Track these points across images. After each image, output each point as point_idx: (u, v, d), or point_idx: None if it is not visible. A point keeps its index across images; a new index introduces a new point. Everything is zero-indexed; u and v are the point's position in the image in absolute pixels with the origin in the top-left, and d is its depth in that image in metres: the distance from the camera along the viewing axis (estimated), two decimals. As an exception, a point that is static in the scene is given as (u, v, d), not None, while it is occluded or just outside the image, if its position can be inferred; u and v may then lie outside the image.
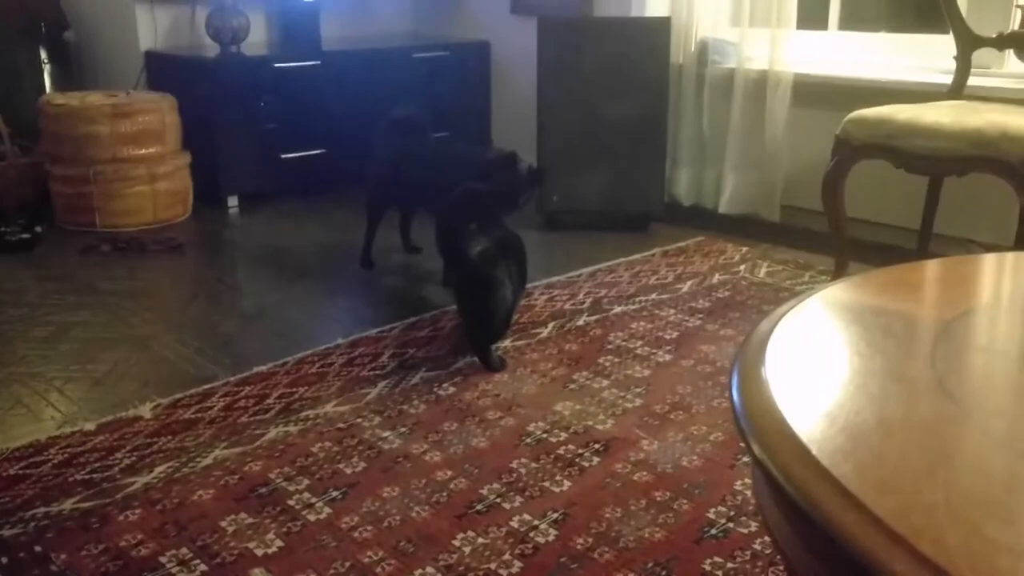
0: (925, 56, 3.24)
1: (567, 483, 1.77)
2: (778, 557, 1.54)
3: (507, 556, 1.55)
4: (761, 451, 0.77)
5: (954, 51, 2.87)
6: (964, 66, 2.86)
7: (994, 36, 2.82)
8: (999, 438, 0.83)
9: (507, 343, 2.43)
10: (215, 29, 3.86)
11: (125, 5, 3.97)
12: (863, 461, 0.76)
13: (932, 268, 1.34)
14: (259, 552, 1.57)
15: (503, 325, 2.34)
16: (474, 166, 2.70)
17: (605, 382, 2.22)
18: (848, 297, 1.14)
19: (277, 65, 3.88)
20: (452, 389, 2.19)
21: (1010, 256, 1.36)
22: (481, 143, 3.02)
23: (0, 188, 3.61)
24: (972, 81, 2.88)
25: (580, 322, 2.60)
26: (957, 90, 2.87)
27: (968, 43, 2.84)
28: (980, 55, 2.87)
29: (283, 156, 3.90)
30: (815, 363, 0.98)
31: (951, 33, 2.87)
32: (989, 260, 1.35)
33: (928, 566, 0.62)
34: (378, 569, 1.52)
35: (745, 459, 1.85)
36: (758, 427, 0.81)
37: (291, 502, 1.72)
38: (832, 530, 0.67)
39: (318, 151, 3.98)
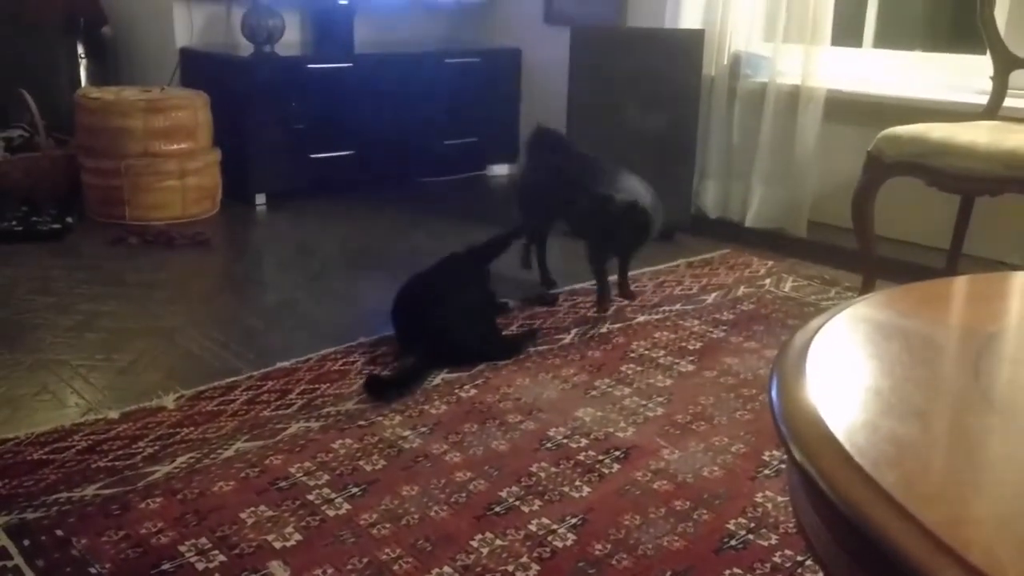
0: (960, 76, 3.21)
1: (586, 489, 1.77)
2: (799, 571, 1.52)
3: (524, 559, 1.54)
4: (803, 457, 0.76)
5: (991, 71, 2.84)
6: (1001, 87, 2.83)
7: (1032, 57, 2.79)
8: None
9: (530, 348, 2.42)
10: (250, 29, 3.89)
11: (162, 2, 4.02)
12: (909, 471, 0.74)
13: (967, 283, 1.32)
14: (277, 545, 1.57)
15: (483, 334, 2.40)
16: (592, 194, 2.62)
17: (627, 390, 2.21)
18: (885, 309, 1.13)
19: (310, 66, 3.91)
20: (473, 391, 2.18)
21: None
22: (615, 164, 2.82)
23: (33, 178, 3.66)
24: (1008, 102, 2.84)
25: (603, 329, 2.59)
26: (992, 111, 2.84)
27: (1006, 64, 2.81)
28: (1017, 76, 2.84)
29: (312, 156, 3.92)
30: (855, 372, 0.96)
31: (988, 53, 2.85)
32: (1023, 277, 1.33)
33: None
34: (395, 567, 1.52)
35: (767, 472, 1.84)
36: (799, 433, 0.79)
37: (311, 497, 1.72)
38: (879, 539, 0.65)
39: (347, 152, 4.01)
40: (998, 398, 0.90)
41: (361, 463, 1.85)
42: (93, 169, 3.59)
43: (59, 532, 1.60)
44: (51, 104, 3.92)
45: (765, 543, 1.60)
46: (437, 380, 2.24)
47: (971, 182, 2.46)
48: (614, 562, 1.54)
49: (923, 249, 3.13)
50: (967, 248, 2.95)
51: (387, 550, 1.56)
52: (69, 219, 3.48)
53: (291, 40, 4.18)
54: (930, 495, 0.71)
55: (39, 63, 4.21)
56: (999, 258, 2.98)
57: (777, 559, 1.56)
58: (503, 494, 1.74)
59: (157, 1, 4.07)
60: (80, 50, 4.36)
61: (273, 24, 3.90)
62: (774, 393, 0.88)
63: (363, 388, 2.17)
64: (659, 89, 3.43)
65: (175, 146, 3.58)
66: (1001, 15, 2.92)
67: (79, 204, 3.65)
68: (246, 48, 3.94)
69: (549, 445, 1.94)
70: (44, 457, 1.85)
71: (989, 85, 2.85)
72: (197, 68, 3.99)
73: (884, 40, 3.49)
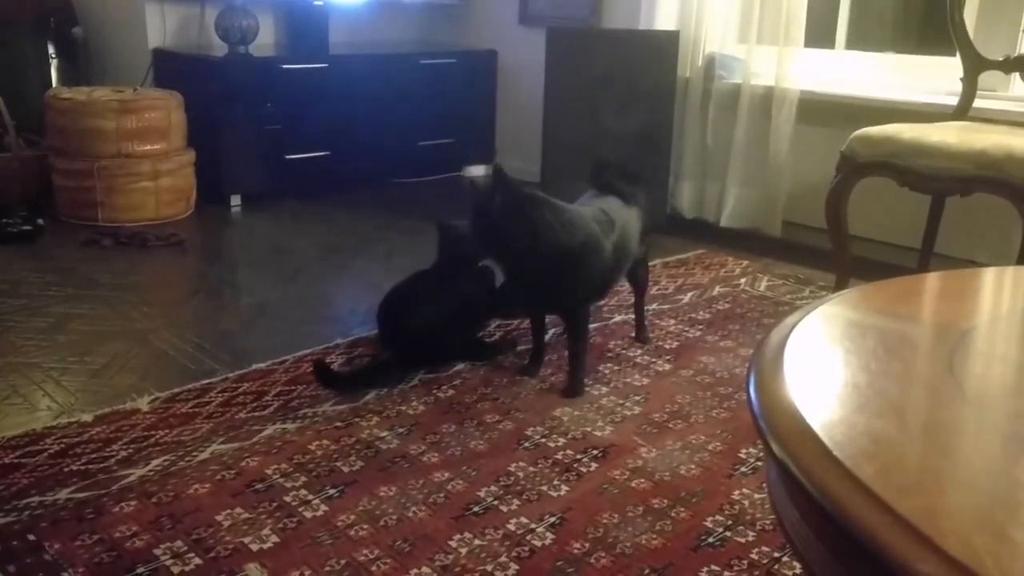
0: (931, 77, 3.25)
1: (565, 488, 1.77)
2: (775, 567, 1.53)
3: (503, 558, 1.54)
4: (782, 451, 0.77)
5: (960, 73, 2.88)
6: (970, 88, 2.87)
7: (1001, 59, 2.83)
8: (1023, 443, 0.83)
9: (508, 352, 2.42)
10: (224, 29, 3.86)
11: (135, 3, 3.98)
12: (886, 464, 0.75)
13: (939, 280, 1.34)
14: (254, 547, 1.56)
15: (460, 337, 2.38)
16: None
17: (604, 389, 2.21)
18: (859, 306, 1.14)
19: (284, 67, 3.89)
20: (451, 391, 2.18)
21: (1017, 270, 1.37)
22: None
23: (3, 180, 3.61)
24: (978, 103, 2.88)
25: (580, 330, 2.59)
26: (962, 112, 2.88)
27: (975, 65, 2.85)
28: (986, 78, 2.88)
29: (287, 157, 3.91)
30: (832, 368, 0.97)
31: (958, 55, 2.88)
32: (995, 273, 1.35)
33: (956, 568, 0.61)
34: (373, 568, 1.51)
35: (743, 469, 1.85)
36: (778, 428, 0.80)
37: (287, 498, 1.71)
38: (857, 531, 0.66)
39: (322, 153, 3.99)
40: (972, 392, 0.91)
41: (338, 464, 1.84)
42: (65, 170, 3.55)
43: (31, 537, 1.58)
44: (21, 105, 3.88)
45: (742, 540, 1.61)
46: (414, 380, 2.23)
47: (942, 182, 2.49)
48: (592, 560, 1.54)
49: (895, 248, 3.17)
50: (938, 247, 2.98)
51: (365, 551, 1.55)
52: (40, 221, 3.43)
53: (265, 41, 4.15)
54: (907, 487, 0.72)
55: (9, 63, 4.15)
56: (969, 257, 3.02)
57: (754, 555, 1.57)
58: (481, 494, 1.74)
59: (129, 1, 4.03)
60: (51, 50, 4.31)
61: (247, 24, 3.88)
62: (752, 390, 0.89)
63: (313, 374, 2.20)
64: (634, 90, 3.45)
65: (148, 147, 3.55)
66: (970, 17, 2.96)
67: (50, 206, 3.61)
68: (220, 49, 3.91)
69: (527, 444, 1.94)
70: (15, 461, 1.82)
71: (959, 86, 2.89)
72: (170, 69, 3.96)
73: (856, 42, 3.53)
